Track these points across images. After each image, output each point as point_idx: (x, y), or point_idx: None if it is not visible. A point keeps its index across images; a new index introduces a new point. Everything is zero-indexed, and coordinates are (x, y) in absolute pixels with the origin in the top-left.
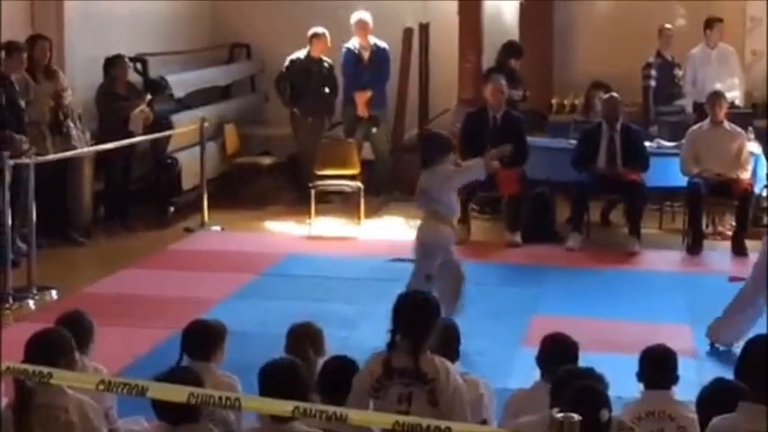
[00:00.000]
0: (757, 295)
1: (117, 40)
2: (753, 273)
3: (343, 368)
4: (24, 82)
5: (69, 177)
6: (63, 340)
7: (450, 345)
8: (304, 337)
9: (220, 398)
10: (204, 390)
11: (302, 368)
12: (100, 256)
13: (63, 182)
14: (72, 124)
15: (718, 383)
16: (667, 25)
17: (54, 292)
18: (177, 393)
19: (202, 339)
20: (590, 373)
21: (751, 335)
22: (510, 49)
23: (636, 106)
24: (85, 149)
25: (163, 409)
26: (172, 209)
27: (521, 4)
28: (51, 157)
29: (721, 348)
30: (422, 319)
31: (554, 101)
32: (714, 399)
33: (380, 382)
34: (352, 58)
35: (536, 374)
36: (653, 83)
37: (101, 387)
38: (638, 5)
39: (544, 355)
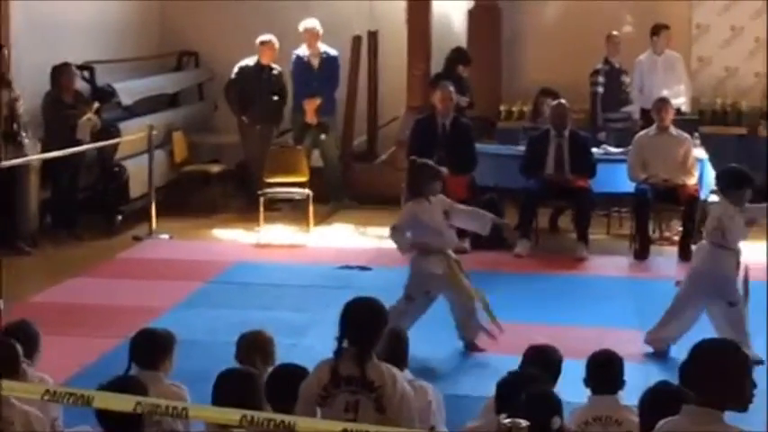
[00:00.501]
0: (692, 300)
1: (64, 47)
2: (688, 277)
3: (291, 376)
4: None
5: (17, 186)
6: (8, 351)
7: (398, 352)
8: (254, 346)
9: (167, 407)
10: (151, 399)
11: (256, 378)
12: (47, 266)
13: (12, 191)
14: (24, 134)
15: (659, 387)
16: (615, 32)
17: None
18: (124, 403)
19: (150, 348)
20: (536, 377)
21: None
22: (457, 56)
23: (584, 113)
24: (33, 157)
25: (107, 419)
26: (120, 217)
27: (469, 12)
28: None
29: (669, 352)
30: (369, 327)
31: (502, 108)
32: (655, 403)
33: (327, 391)
34: (302, 65)
35: (484, 382)
36: (600, 89)
37: (46, 397)
38: (586, 13)
39: (527, 365)
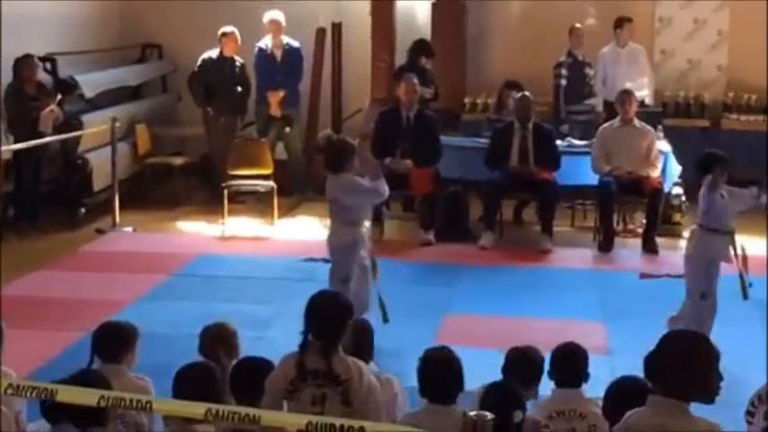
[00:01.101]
0: (702, 284)
1: (26, 39)
2: (685, 263)
3: (256, 369)
4: None
5: None
6: None
7: (363, 344)
8: (217, 339)
9: (131, 400)
10: (115, 392)
11: (217, 371)
12: (9, 258)
13: None
14: None
15: (624, 381)
16: (578, 25)
17: None
18: (87, 396)
19: (113, 341)
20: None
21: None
22: (420, 48)
23: (547, 105)
24: None
25: (67, 413)
26: (83, 210)
27: (433, 5)
28: None
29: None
30: (334, 320)
31: (467, 100)
32: (620, 396)
33: (294, 384)
34: (265, 57)
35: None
36: (563, 82)
37: (9, 391)
38: (550, 6)
39: (509, 367)
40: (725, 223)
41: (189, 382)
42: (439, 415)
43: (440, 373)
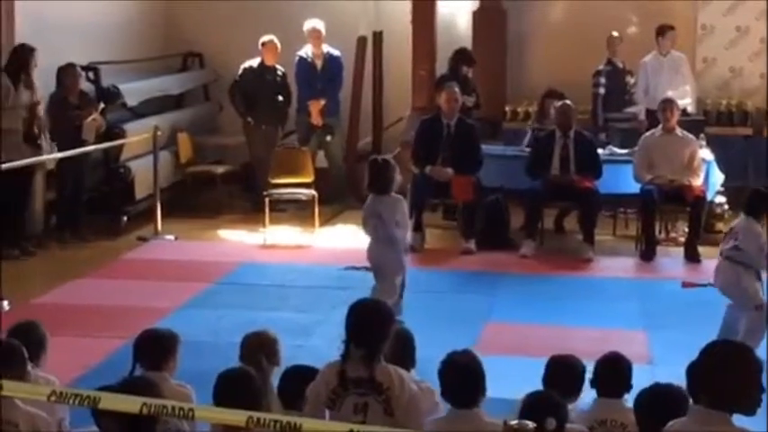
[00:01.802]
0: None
1: (69, 48)
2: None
3: (304, 377)
4: (6, 88)
5: (25, 187)
6: (14, 352)
7: (406, 352)
8: (258, 346)
9: (174, 408)
10: (157, 400)
11: (255, 378)
12: (52, 267)
13: (20, 192)
14: (44, 137)
15: (656, 389)
16: (615, 33)
17: (5, 303)
18: (130, 404)
19: (154, 349)
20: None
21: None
22: (461, 57)
23: (588, 113)
24: (42, 158)
25: (116, 420)
26: (125, 218)
27: (474, 13)
28: (7, 165)
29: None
30: (375, 328)
31: (508, 108)
32: (653, 403)
33: (336, 393)
34: (305, 66)
35: (491, 383)
36: (602, 90)
37: (52, 398)
38: (592, 13)
39: (550, 376)
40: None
41: (228, 388)
42: (462, 419)
43: (461, 377)
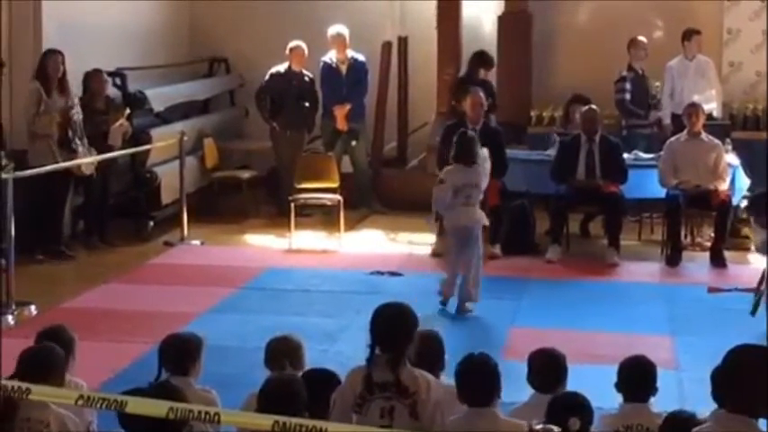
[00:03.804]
0: None
1: (95, 54)
2: None
3: (321, 380)
4: (37, 93)
5: (56, 192)
6: (55, 357)
7: (435, 355)
8: (283, 351)
9: (200, 412)
10: (183, 404)
11: (302, 385)
12: (79, 271)
13: (52, 197)
14: (79, 141)
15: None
16: (640, 37)
17: (33, 308)
18: (156, 408)
19: (179, 353)
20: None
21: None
22: (479, 60)
23: (613, 118)
24: (70, 162)
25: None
26: (151, 223)
27: (499, 17)
28: (30, 172)
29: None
30: (399, 332)
31: (533, 113)
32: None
33: (363, 398)
34: (330, 71)
35: (517, 387)
36: (627, 96)
37: (80, 402)
38: (617, 18)
39: (534, 371)
40: None
41: (277, 393)
42: (479, 418)
43: (477, 376)
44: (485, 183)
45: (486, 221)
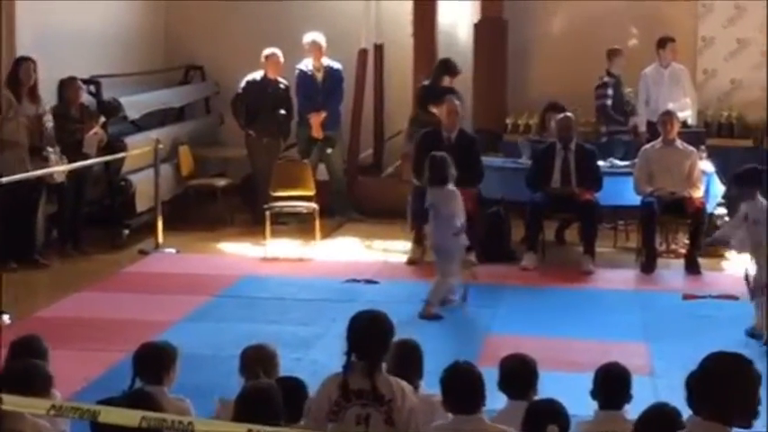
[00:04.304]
0: None
1: (70, 61)
2: None
3: (295, 389)
4: (7, 100)
5: (31, 200)
6: (42, 373)
7: (413, 363)
8: (257, 360)
9: (173, 421)
10: (157, 414)
11: (279, 392)
12: (53, 280)
13: (26, 205)
14: (51, 149)
15: (657, 409)
16: (616, 47)
17: (6, 317)
18: (129, 417)
19: (153, 362)
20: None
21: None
22: (444, 67)
23: (590, 126)
24: (42, 171)
25: None
26: (126, 231)
27: (475, 25)
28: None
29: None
30: (375, 340)
31: (508, 121)
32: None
33: (339, 405)
34: (306, 79)
35: (494, 395)
36: (609, 102)
37: (52, 412)
38: (592, 26)
39: (506, 377)
40: None
41: (254, 401)
42: (465, 424)
43: (463, 384)
44: (458, 206)
45: (465, 241)
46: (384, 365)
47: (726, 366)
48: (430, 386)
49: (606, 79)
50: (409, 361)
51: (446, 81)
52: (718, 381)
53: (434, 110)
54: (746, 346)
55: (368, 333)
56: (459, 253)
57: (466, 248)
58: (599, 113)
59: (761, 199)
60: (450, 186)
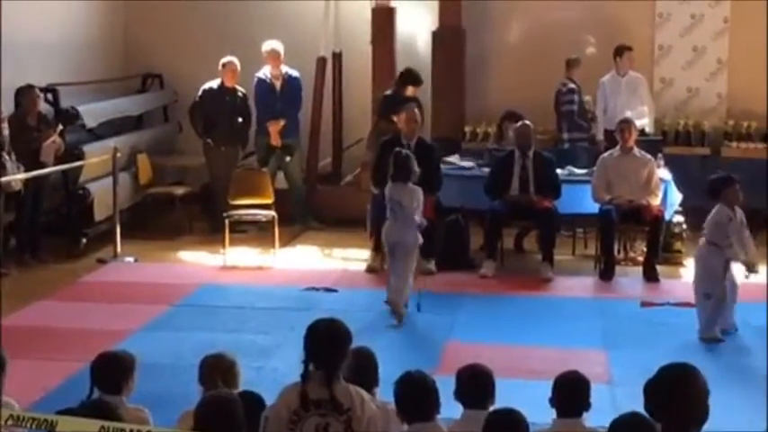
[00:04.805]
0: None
1: (28, 69)
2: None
3: (253, 402)
4: None
5: None
6: None
7: (368, 371)
8: (216, 369)
9: (132, 431)
10: (116, 423)
11: (239, 403)
12: (11, 289)
13: None
14: (8, 156)
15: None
16: (574, 56)
17: None
18: (87, 427)
19: (111, 371)
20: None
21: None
22: (408, 77)
23: (548, 134)
24: (5, 178)
25: None
26: (84, 240)
27: (433, 33)
28: None
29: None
30: (333, 348)
31: (467, 128)
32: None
33: (298, 415)
34: (264, 87)
35: (452, 403)
36: (575, 107)
37: (9, 422)
38: (550, 34)
39: (463, 387)
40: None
41: (213, 412)
42: (422, 431)
43: (416, 392)
44: (418, 202)
45: (421, 239)
46: (342, 374)
47: (677, 378)
48: (387, 395)
49: (571, 86)
50: (364, 369)
51: (409, 91)
52: (672, 392)
53: (396, 119)
54: (705, 352)
55: (326, 342)
56: (416, 250)
57: (424, 256)
58: (563, 120)
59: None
60: (412, 185)
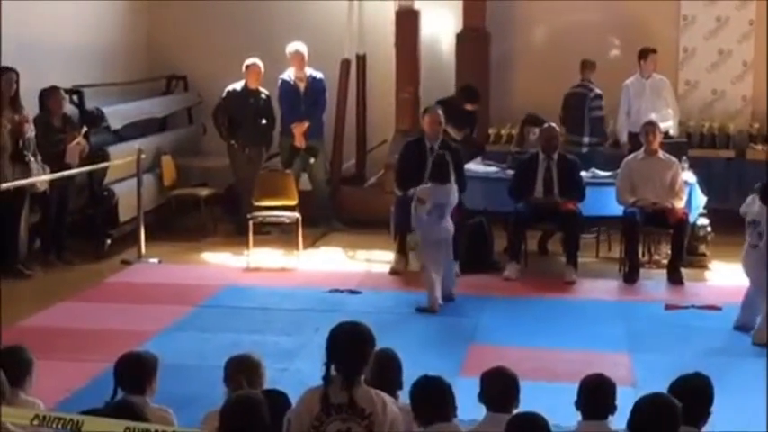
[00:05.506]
0: None
1: (53, 71)
2: None
3: (279, 402)
4: None
5: (13, 209)
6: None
7: (392, 374)
8: (242, 369)
9: (156, 431)
10: (140, 423)
11: (264, 403)
12: (36, 290)
13: (9, 214)
14: (33, 158)
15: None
16: (588, 59)
17: None
18: (113, 427)
19: (135, 372)
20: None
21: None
22: (466, 94)
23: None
24: (26, 180)
25: None
26: (108, 241)
27: (457, 35)
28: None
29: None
30: (355, 352)
31: (491, 131)
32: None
33: (320, 420)
34: (288, 89)
35: (476, 405)
36: (603, 113)
37: (35, 422)
38: (575, 36)
39: (487, 390)
40: None
41: (240, 412)
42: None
43: (432, 394)
44: (455, 199)
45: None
46: (363, 377)
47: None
48: (407, 397)
49: (598, 91)
50: (388, 372)
51: (467, 107)
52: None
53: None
54: (729, 355)
55: (348, 345)
56: (448, 239)
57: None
58: (590, 125)
59: None
60: (449, 184)
